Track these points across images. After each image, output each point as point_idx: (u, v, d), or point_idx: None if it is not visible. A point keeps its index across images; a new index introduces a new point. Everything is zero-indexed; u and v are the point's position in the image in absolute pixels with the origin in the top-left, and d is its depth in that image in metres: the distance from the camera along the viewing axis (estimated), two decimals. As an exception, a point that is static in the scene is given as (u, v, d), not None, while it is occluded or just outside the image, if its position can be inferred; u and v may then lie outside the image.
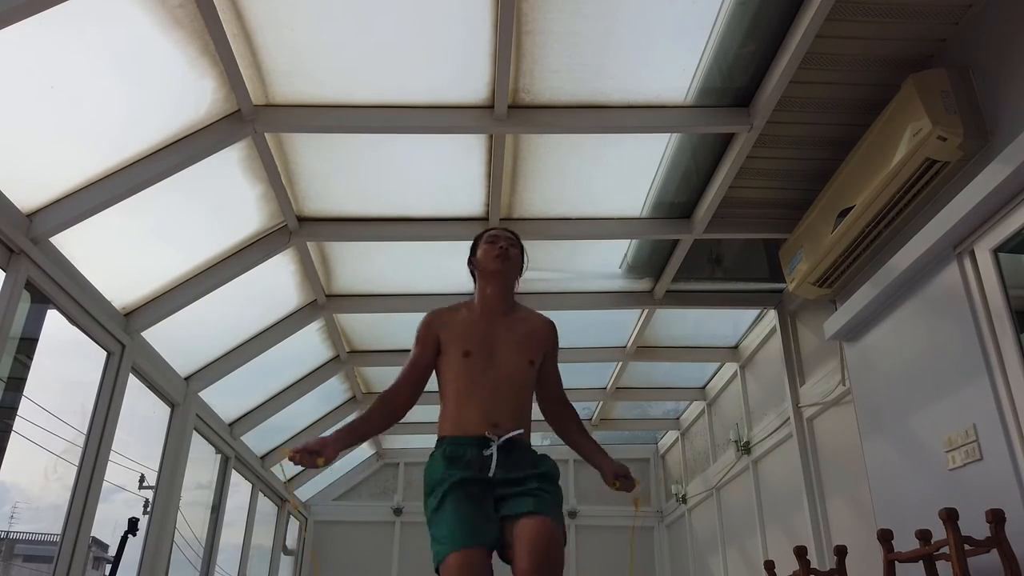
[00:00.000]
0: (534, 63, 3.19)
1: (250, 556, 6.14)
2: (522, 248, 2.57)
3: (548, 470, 2.25)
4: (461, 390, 2.32)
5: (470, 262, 2.54)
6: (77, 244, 3.39)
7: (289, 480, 6.87)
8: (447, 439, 2.28)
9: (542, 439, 5.44)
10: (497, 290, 2.45)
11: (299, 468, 2.24)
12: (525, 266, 2.58)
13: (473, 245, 2.57)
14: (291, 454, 2.14)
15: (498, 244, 2.48)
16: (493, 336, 2.37)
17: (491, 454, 2.18)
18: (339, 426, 2.32)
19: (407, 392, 2.39)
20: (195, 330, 4.45)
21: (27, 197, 3.08)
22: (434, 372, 2.43)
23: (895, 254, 3.34)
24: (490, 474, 2.15)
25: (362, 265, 4.71)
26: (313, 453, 2.15)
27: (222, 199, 3.87)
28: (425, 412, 2.95)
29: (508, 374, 2.32)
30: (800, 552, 3.55)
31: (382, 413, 2.35)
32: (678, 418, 7.54)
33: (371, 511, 8.00)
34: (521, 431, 2.27)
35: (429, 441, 2.37)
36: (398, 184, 4.00)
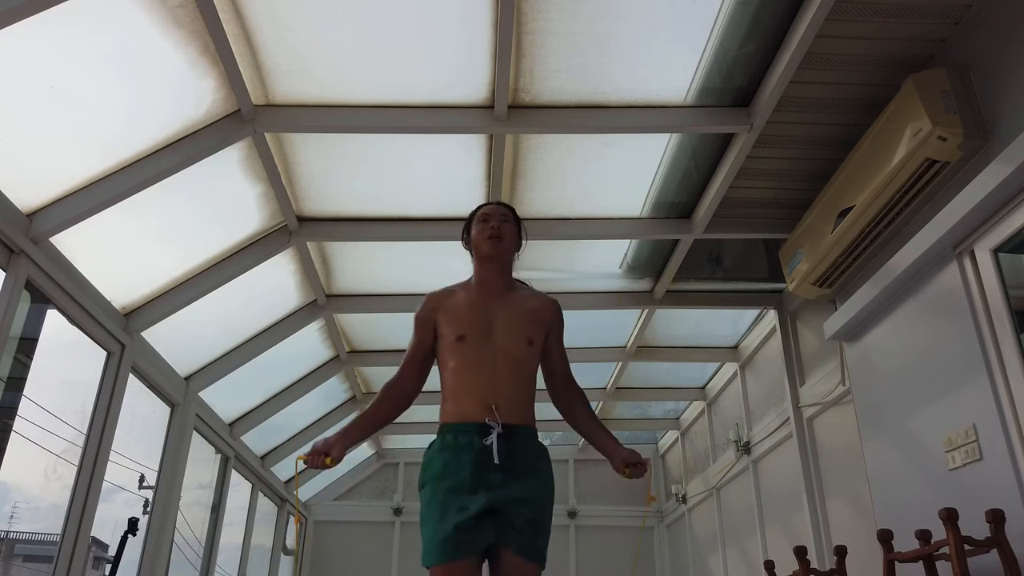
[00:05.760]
0: (534, 63, 3.19)
1: (250, 556, 6.14)
2: (519, 222, 2.50)
3: (542, 487, 2.21)
4: (458, 373, 2.27)
5: (465, 240, 2.49)
6: (77, 244, 3.39)
7: (289, 480, 6.88)
8: (448, 427, 2.24)
9: (545, 439, 5.43)
10: (494, 270, 2.40)
11: (302, 468, 2.23)
12: (524, 240, 2.51)
13: (467, 222, 2.50)
14: (305, 459, 2.14)
15: (490, 224, 2.40)
16: (490, 316, 2.31)
17: (491, 443, 2.14)
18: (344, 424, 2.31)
19: (410, 380, 2.36)
20: (195, 330, 4.45)
21: (27, 197, 3.08)
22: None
23: (895, 254, 3.34)
24: (496, 460, 2.12)
25: (362, 265, 4.71)
26: (320, 454, 2.15)
27: (222, 199, 3.87)
28: (424, 412, 2.95)
29: (505, 354, 2.27)
30: (800, 552, 3.55)
31: (388, 403, 2.33)
32: (678, 418, 7.55)
33: (371, 511, 8.01)
34: (524, 423, 2.24)
35: (428, 441, 2.35)
36: (398, 184, 4.00)
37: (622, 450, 2.32)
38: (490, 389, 2.22)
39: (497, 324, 2.31)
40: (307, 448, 2.49)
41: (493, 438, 2.14)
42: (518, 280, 2.53)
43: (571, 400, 2.46)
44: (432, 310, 2.38)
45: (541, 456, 2.28)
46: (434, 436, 2.32)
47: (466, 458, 2.15)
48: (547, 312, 2.42)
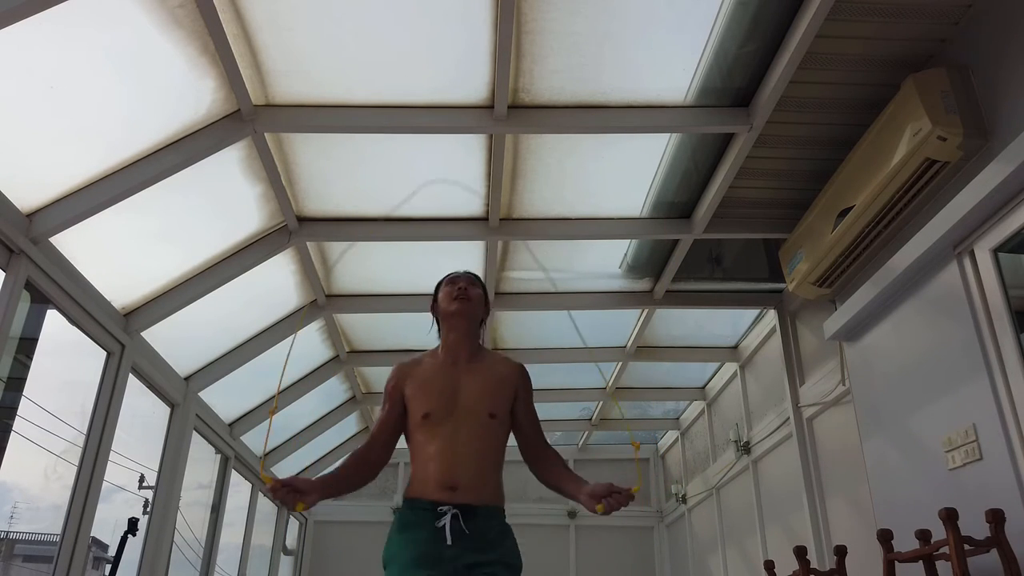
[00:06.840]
0: (534, 63, 3.19)
1: (250, 556, 6.14)
2: (484, 288, 2.50)
3: (509, 559, 2.18)
4: (421, 446, 2.27)
5: (433, 309, 2.49)
6: (77, 244, 3.39)
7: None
8: (407, 501, 2.25)
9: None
10: (460, 335, 2.38)
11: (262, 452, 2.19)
12: (490, 308, 2.51)
13: (435, 292, 2.51)
14: (274, 485, 2.01)
15: (457, 285, 2.42)
16: (455, 388, 2.30)
17: (443, 526, 2.11)
18: (327, 471, 2.25)
19: (379, 451, 2.34)
20: (195, 330, 4.45)
21: (27, 197, 3.08)
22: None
23: (895, 254, 3.34)
24: (448, 542, 2.09)
25: (362, 265, 4.71)
26: (296, 493, 2.04)
27: (222, 199, 3.87)
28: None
29: (468, 428, 2.24)
30: (800, 552, 3.55)
31: (358, 471, 2.30)
32: (678, 418, 7.54)
33: (371, 511, 8.00)
34: (485, 503, 2.20)
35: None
36: (398, 184, 4.00)
37: (587, 487, 2.14)
38: (451, 467, 2.19)
39: (461, 395, 2.28)
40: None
41: (446, 520, 2.12)
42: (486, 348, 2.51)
43: (544, 463, 2.38)
44: (399, 382, 2.37)
45: (504, 535, 2.23)
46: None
47: (422, 535, 2.14)
48: (510, 379, 2.38)
